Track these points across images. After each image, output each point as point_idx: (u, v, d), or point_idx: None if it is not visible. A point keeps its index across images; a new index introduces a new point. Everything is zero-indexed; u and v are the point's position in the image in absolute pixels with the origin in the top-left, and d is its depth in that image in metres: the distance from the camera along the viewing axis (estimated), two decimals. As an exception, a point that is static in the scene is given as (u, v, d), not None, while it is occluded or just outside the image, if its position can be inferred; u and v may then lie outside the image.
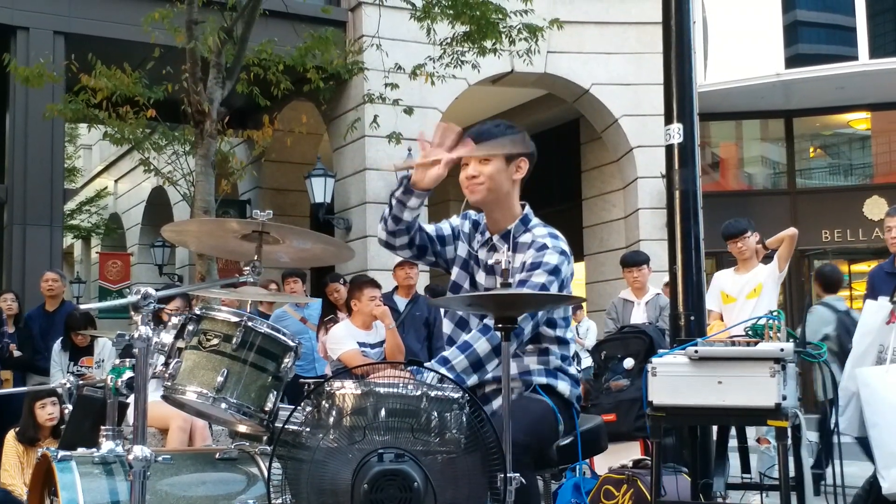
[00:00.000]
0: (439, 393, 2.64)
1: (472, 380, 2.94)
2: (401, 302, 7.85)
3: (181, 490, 2.93)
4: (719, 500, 4.12)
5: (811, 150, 16.40)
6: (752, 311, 5.81)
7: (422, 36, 10.11)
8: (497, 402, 3.01)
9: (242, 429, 3.07)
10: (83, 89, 9.91)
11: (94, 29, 11.45)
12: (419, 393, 2.62)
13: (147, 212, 19.61)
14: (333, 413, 2.63)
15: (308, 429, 2.66)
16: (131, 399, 3.73)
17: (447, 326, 3.28)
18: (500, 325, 2.72)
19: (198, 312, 2.95)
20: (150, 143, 12.38)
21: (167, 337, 2.91)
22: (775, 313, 3.57)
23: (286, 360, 2.96)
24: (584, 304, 12.68)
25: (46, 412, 5.80)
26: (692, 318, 4.49)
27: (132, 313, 2.71)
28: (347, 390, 2.65)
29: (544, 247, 3.07)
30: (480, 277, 3.22)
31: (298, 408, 2.71)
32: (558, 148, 15.36)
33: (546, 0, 12.24)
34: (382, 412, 2.59)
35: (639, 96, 13.15)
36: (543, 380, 3.10)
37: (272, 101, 10.73)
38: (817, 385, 6.87)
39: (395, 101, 10.58)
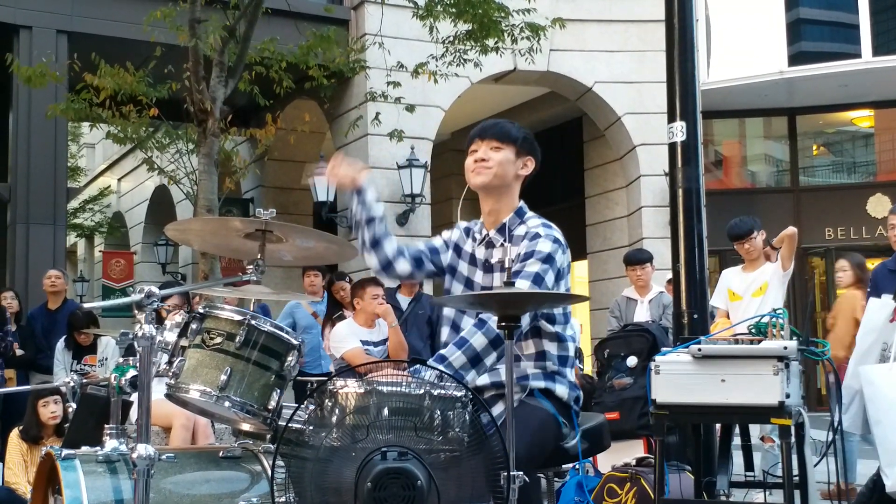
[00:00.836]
0: (442, 391, 2.64)
1: (471, 375, 2.93)
2: (404, 300, 7.85)
3: (185, 488, 2.93)
4: (723, 498, 4.11)
5: (814, 147, 16.38)
6: (757, 310, 5.80)
7: (424, 34, 10.11)
8: (496, 409, 3.00)
9: (246, 427, 3.08)
10: (86, 88, 9.91)
11: (97, 28, 11.45)
12: (422, 391, 2.62)
13: (150, 210, 19.62)
14: (337, 411, 2.63)
15: (311, 427, 2.66)
16: (135, 397, 3.74)
17: (445, 334, 3.28)
18: (503, 324, 2.71)
19: (201, 311, 2.95)
20: (153, 142, 12.38)
21: (171, 335, 2.91)
22: (779, 311, 3.56)
23: (289, 359, 2.97)
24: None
25: (49, 410, 5.81)
26: (695, 316, 4.48)
27: (136, 312, 2.72)
28: (350, 389, 2.65)
29: (537, 236, 3.09)
30: (478, 277, 3.22)
31: (302, 406, 2.72)
32: (561, 146, 15.36)
33: (549, -3, 12.25)
34: (385, 411, 2.59)
35: (642, 94, 13.14)
36: (542, 384, 3.09)
37: (275, 99, 10.73)
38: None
39: (397, 100, 10.58)
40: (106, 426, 2.99)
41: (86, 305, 10.42)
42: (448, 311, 3.30)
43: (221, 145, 9.38)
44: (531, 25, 9.94)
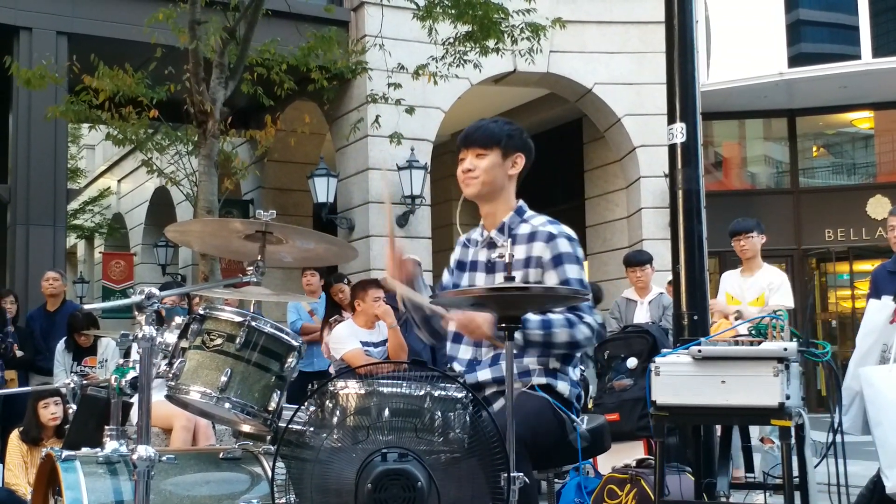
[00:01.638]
0: (442, 393, 2.65)
1: (534, 353, 3.02)
2: (403, 301, 7.84)
3: (185, 490, 2.94)
4: (723, 499, 4.11)
5: (814, 149, 16.39)
6: None
7: (424, 36, 10.11)
8: (497, 405, 3.01)
9: (246, 428, 3.08)
10: (85, 90, 9.91)
11: (97, 29, 11.45)
12: (422, 393, 2.62)
13: (150, 212, 19.62)
14: (337, 413, 2.63)
15: (312, 428, 2.66)
16: (135, 399, 3.74)
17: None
18: (503, 325, 2.71)
19: (201, 312, 2.96)
20: (152, 144, 12.38)
21: (171, 337, 2.91)
22: (779, 313, 3.56)
23: (290, 360, 2.97)
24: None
25: (49, 412, 5.81)
26: (695, 317, 4.48)
27: (136, 313, 2.72)
28: (351, 390, 2.65)
29: (552, 236, 3.11)
30: (480, 280, 3.22)
31: (302, 407, 2.72)
32: (561, 147, 15.36)
33: (548, -1, 12.25)
34: (386, 412, 2.59)
35: (641, 96, 13.14)
36: (543, 380, 3.09)
37: (275, 101, 10.74)
38: None
39: (397, 101, 10.58)
40: (106, 427, 2.99)
41: (86, 307, 10.41)
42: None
43: (221, 147, 9.37)
44: (531, 26, 9.94)
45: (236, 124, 10.99)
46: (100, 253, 21.77)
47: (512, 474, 2.56)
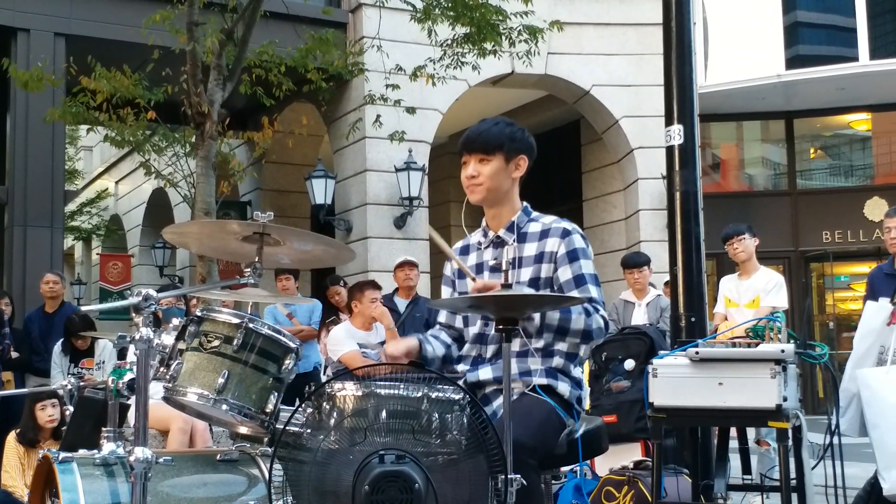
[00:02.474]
0: (440, 394, 2.64)
1: (548, 338, 3.05)
2: (401, 303, 7.86)
3: (182, 491, 2.93)
4: (720, 501, 4.11)
5: (812, 151, 16.41)
6: None
7: (422, 37, 10.11)
8: (497, 402, 3.02)
9: (243, 430, 3.07)
10: (83, 91, 9.91)
11: (95, 30, 11.45)
12: (420, 394, 2.62)
13: (148, 213, 19.61)
14: (334, 414, 2.63)
15: (309, 430, 2.66)
16: (132, 401, 3.73)
17: (474, 328, 3.27)
18: (500, 327, 2.71)
19: (199, 314, 2.95)
20: (150, 146, 12.38)
21: (168, 338, 2.91)
22: (776, 314, 3.57)
23: (287, 362, 2.97)
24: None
25: (47, 414, 5.80)
26: (693, 319, 4.49)
27: (133, 315, 2.72)
28: (348, 392, 2.65)
29: (567, 232, 3.14)
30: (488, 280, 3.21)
31: (299, 409, 2.72)
32: (559, 149, 15.37)
33: (546, 1, 12.24)
34: (383, 413, 2.59)
35: (639, 97, 13.15)
36: (544, 380, 3.09)
37: (273, 102, 10.74)
38: None
39: (395, 102, 10.58)
40: (103, 429, 2.98)
41: (83, 308, 10.39)
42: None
43: (219, 148, 9.38)
44: (529, 28, 9.95)
45: (234, 126, 10.99)
46: (97, 254, 21.76)
47: (510, 476, 2.56)
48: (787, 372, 3.37)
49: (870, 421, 4.63)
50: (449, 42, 10.21)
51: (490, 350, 3.19)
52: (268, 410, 2.89)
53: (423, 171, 12.39)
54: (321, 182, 12.58)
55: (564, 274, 3.09)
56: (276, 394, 2.92)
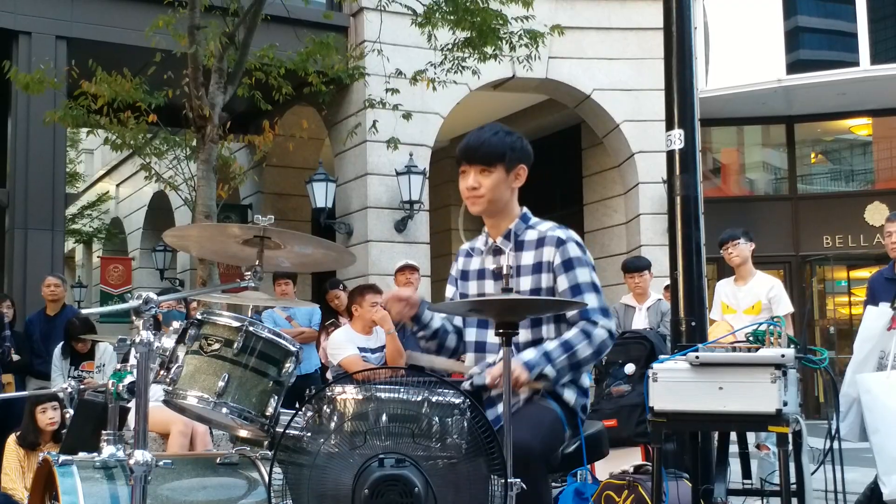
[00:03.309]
0: (440, 398, 2.64)
1: (567, 377, 3.04)
2: (402, 307, 7.84)
3: (182, 495, 2.93)
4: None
5: (812, 155, 16.42)
6: None
7: (423, 41, 10.12)
8: (500, 408, 3.01)
9: (243, 434, 3.07)
10: (84, 95, 9.92)
11: (96, 34, 11.46)
12: (420, 398, 2.62)
13: (148, 216, 19.62)
14: (334, 418, 2.63)
15: (309, 434, 2.66)
16: (132, 404, 3.74)
17: (471, 334, 3.28)
18: (500, 331, 2.72)
19: (199, 317, 2.95)
20: (151, 149, 12.38)
21: (168, 342, 2.91)
22: (776, 319, 3.56)
23: (287, 365, 2.97)
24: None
25: (47, 417, 5.81)
26: (693, 323, 4.48)
27: (133, 318, 2.72)
28: (348, 395, 2.65)
29: (561, 241, 3.12)
30: (489, 287, 3.21)
31: (299, 413, 2.72)
32: (559, 153, 15.37)
33: (547, 5, 12.26)
34: (383, 417, 2.59)
35: (640, 102, 13.15)
36: (550, 387, 3.09)
37: (273, 105, 10.74)
38: None
39: (395, 106, 10.59)
40: (103, 432, 2.98)
41: (83, 311, 10.42)
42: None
43: (219, 151, 9.38)
44: (530, 33, 9.95)
45: (235, 129, 10.99)
46: (98, 257, 21.76)
47: (510, 480, 2.56)
48: (788, 376, 3.37)
49: (870, 426, 4.63)
50: (450, 46, 10.22)
51: (491, 356, 3.18)
52: (268, 414, 2.89)
53: (424, 175, 12.40)
54: (322, 185, 12.59)
55: (562, 283, 3.09)
56: (276, 397, 2.92)
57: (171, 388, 2.88)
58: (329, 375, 7.24)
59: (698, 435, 4.21)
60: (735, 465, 4.42)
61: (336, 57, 10.97)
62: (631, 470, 5.11)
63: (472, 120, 13.08)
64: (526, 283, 3.11)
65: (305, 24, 11.22)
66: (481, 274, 3.25)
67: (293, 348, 2.99)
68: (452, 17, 9.72)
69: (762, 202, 16.03)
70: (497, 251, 3.20)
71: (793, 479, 3.48)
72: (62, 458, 2.85)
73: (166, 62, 9.82)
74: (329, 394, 2.68)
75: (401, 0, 10.13)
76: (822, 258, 15.34)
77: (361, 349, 6.43)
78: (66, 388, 4.47)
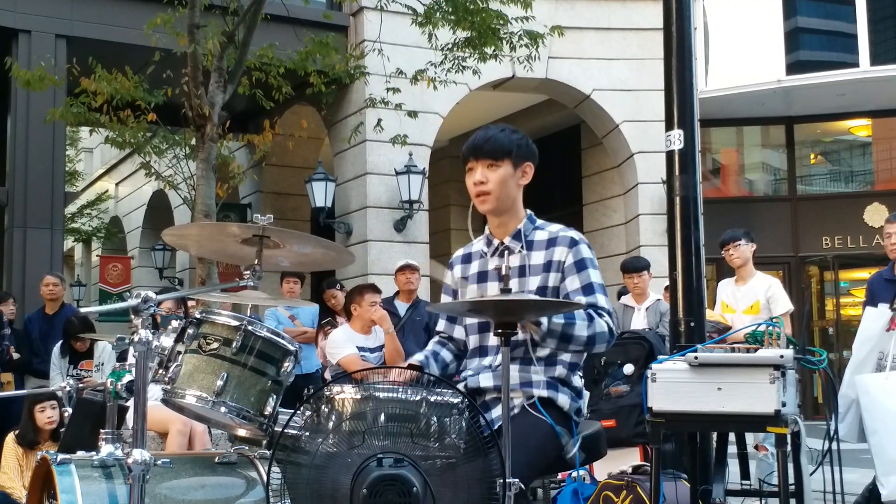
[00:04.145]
0: (439, 398, 2.64)
1: (551, 345, 3.00)
2: (401, 307, 7.86)
3: (180, 494, 2.93)
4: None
5: (812, 156, 16.42)
6: None
7: (423, 41, 10.11)
8: (497, 411, 2.99)
9: (242, 433, 3.08)
10: (83, 93, 9.92)
11: (96, 32, 11.46)
12: (419, 398, 2.62)
13: (148, 215, 19.62)
14: (333, 418, 2.63)
15: (307, 433, 2.66)
16: (131, 402, 3.73)
17: (474, 341, 3.26)
18: (499, 331, 2.71)
19: (198, 316, 2.95)
20: (150, 147, 12.38)
21: (167, 340, 2.91)
22: (775, 320, 3.56)
23: (286, 365, 2.97)
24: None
25: (46, 415, 5.80)
26: (692, 324, 4.48)
27: (132, 317, 2.72)
28: (347, 395, 2.65)
29: (574, 242, 3.14)
30: (494, 289, 3.19)
31: (298, 412, 2.72)
32: (559, 153, 15.37)
33: (547, 6, 12.26)
34: (382, 417, 2.59)
35: (640, 102, 13.15)
36: (545, 393, 3.06)
37: (273, 105, 10.74)
38: None
39: (396, 106, 10.58)
40: (102, 431, 2.98)
41: (82, 310, 10.41)
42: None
43: (219, 150, 9.38)
44: (529, 34, 9.94)
45: (234, 128, 10.99)
46: (97, 256, 21.76)
47: (508, 480, 2.56)
48: (786, 377, 3.37)
49: (868, 427, 4.64)
50: (450, 46, 10.22)
51: (488, 359, 3.17)
52: (266, 413, 2.89)
53: (424, 175, 12.40)
54: (321, 185, 12.58)
55: (573, 283, 3.09)
56: (274, 396, 2.92)
57: (169, 387, 2.88)
58: (328, 375, 7.24)
59: (697, 435, 4.21)
60: (734, 466, 4.43)
61: (336, 57, 10.97)
62: (629, 470, 5.11)
63: (472, 120, 13.12)
64: (534, 282, 3.11)
65: (305, 23, 11.22)
66: (482, 276, 3.24)
67: (292, 348, 2.99)
68: (452, 17, 9.71)
69: (761, 203, 16.04)
70: (504, 251, 3.19)
71: (791, 479, 3.49)
72: (60, 456, 2.85)
73: (166, 61, 9.81)
74: (327, 393, 2.68)
75: (401, 0, 10.13)
76: (821, 259, 15.34)
77: (360, 348, 6.43)
78: (65, 387, 4.46)
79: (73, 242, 24.08)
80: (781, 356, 3.34)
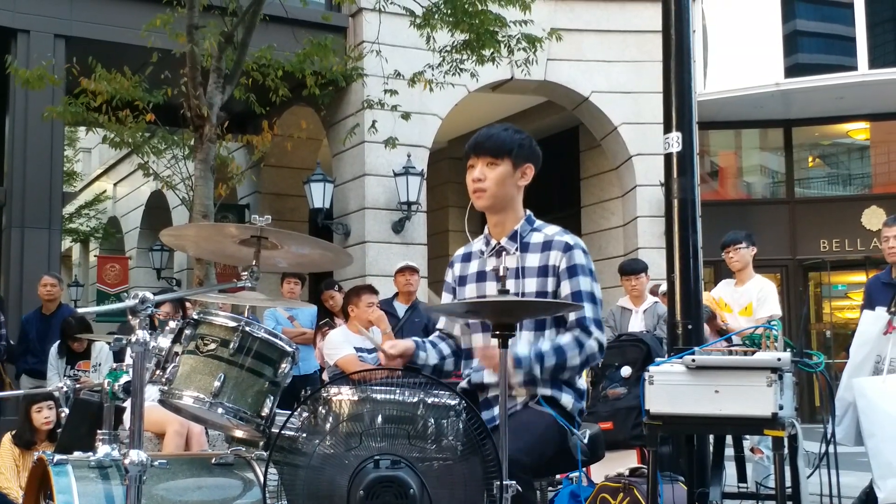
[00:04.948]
0: (436, 400, 2.64)
1: (544, 376, 3.02)
2: (400, 308, 7.86)
3: (177, 495, 2.93)
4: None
5: (810, 159, 16.43)
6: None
7: (421, 43, 10.12)
8: (496, 409, 3.00)
9: (239, 434, 3.07)
10: (83, 92, 9.91)
11: (95, 32, 11.46)
12: (416, 399, 2.62)
13: (146, 215, 19.61)
14: (330, 419, 2.63)
15: (304, 434, 2.66)
16: (128, 403, 3.73)
17: (477, 340, 3.25)
18: (497, 332, 2.71)
19: (195, 317, 2.95)
20: (149, 147, 12.37)
21: (164, 341, 2.91)
22: (773, 322, 3.57)
23: (283, 366, 2.96)
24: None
25: (43, 416, 5.80)
26: (689, 326, 4.48)
27: (130, 317, 2.71)
28: (344, 396, 2.65)
29: (569, 247, 3.12)
30: (491, 289, 3.19)
31: (295, 413, 2.71)
32: (557, 155, 15.36)
33: (546, 7, 12.26)
34: (379, 418, 2.59)
35: (638, 104, 13.16)
36: (548, 391, 3.07)
37: (271, 106, 10.74)
38: None
39: (394, 107, 10.59)
40: (99, 432, 2.98)
41: (80, 311, 10.40)
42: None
43: (217, 151, 9.38)
44: (528, 37, 9.94)
45: (233, 129, 10.98)
46: (95, 256, 21.74)
47: (505, 482, 2.56)
48: (784, 380, 3.37)
49: (866, 430, 4.64)
50: (448, 48, 10.22)
51: None
52: (263, 414, 2.89)
53: (422, 176, 12.40)
54: (320, 186, 12.58)
55: (564, 289, 3.10)
56: (271, 397, 2.92)
57: (166, 388, 2.88)
58: (325, 376, 7.24)
59: (694, 438, 4.21)
60: (730, 469, 4.42)
61: (334, 59, 10.97)
62: (626, 472, 5.11)
63: (471, 121, 13.11)
64: (531, 284, 3.11)
65: (304, 24, 11.22)
66: (481, 276, 3.24)
67: (289, 349, 2.99)
68: (451, 19, 9.72)
69: (759, 206, 16.04)
70: (501, 252, 3.19)
71: (788, 482, 3.48)
72: (57, 457, 2.85)
73: (164, 61, 9.81)
74: (325, 394, 2.68)
75: (399, 1, 10.13)
76: (819, 262, 15.34)
77: (358, 349, 6.43)
78: (62, 388, 4.46)
79: (70, 242, 24.06)
80: (779, 359, 3.34)
